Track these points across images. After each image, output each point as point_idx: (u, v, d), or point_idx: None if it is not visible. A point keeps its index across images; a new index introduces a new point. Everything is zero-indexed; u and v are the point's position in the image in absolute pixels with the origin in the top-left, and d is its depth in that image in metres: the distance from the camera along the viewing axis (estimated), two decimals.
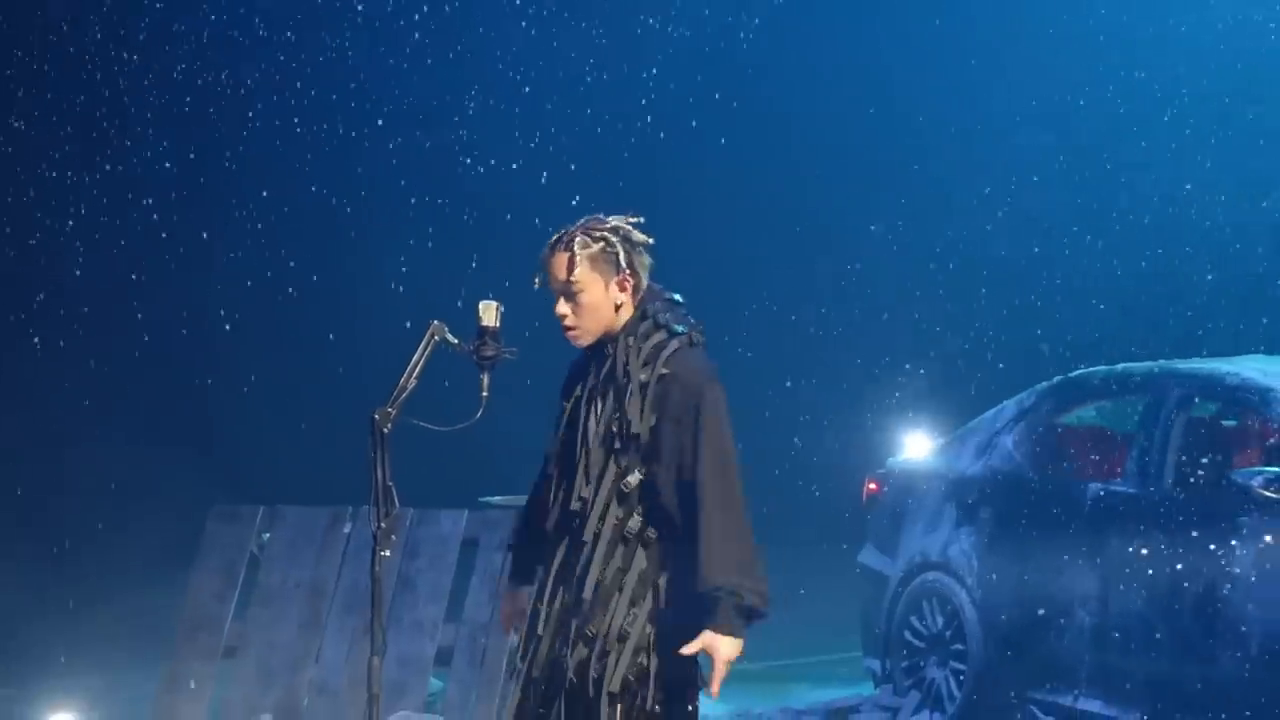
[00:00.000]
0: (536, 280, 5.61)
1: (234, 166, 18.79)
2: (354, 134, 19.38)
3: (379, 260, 18.55)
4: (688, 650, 5.48)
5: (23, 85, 17.84)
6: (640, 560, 5.51)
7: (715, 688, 5.54)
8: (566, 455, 5.67)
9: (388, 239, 18.68)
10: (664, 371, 5.51)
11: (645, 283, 5.63)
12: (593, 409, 5.59)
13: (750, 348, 18.28)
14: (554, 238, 5.60)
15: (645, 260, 5.62)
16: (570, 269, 5.50)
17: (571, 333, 5.60)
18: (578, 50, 19.52)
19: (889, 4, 20.16)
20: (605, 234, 5.56)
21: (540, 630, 5.63)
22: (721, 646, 5.48)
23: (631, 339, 5.57)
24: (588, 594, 5.50)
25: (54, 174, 17.99)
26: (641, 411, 5.47)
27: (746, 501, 5.54)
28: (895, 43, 20.10)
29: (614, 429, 5.52)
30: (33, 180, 17.73)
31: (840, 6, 19.98)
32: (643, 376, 5.50)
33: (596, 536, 5.51)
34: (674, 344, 5.57)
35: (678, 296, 5.71)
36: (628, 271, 5.57)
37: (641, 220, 5.64)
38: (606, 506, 5.51)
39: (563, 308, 5.56)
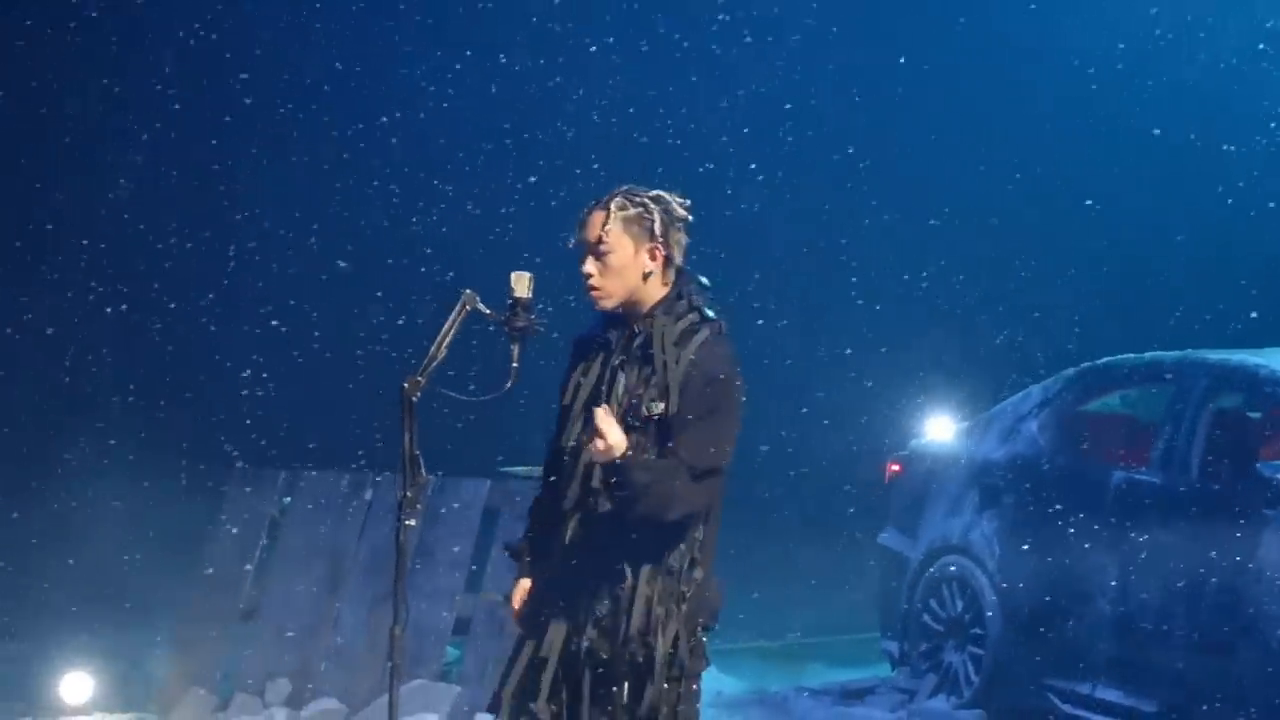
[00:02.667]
0: (572, 239, 5.58)
1: (256, 118, 18.76)
2: (387, 88, 19.36)
3: (412, 226, 18.52)
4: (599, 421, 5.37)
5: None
6: (652, 541, 5.49)
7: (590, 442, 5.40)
8: (576, 433, 5.64)
9: (422, 205, 18.64)
10: (692, 358, 5.48)
11: (679, 260, 5.60)
12: (614, 379, 5.56)
13: (773, 323, 18.25)
14: (595, 200, 5.59)
15: (682, 238, 5.59)
16: (603, 226, 5.49)
17: (595, 292, 5.54)
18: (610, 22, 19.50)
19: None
20: (645, 200, 5.54)
21: (548, 609, 5.60)
22: (614, 436, 5.32)
23: (666, 317, 5.54)
24: (605, 574, 5.48)
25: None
26: (665, 394, 5.44)
27: (701, 488, 5.45)
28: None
29: (636, 403, 5.49)
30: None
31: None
32: (674, 358, 5.47)
33: (611, 515, 5.50)
34: (705, 331, 5.54)
35: (706, 282, 5.69)
36: (660, 241, 5.53)
37: (688, 201, 5.61)
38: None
39: (589, 266, 5.52)
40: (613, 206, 5.50)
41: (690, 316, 5.56)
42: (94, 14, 17.56)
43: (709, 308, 5.59)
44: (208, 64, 18.14)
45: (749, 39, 19.78)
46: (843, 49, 20.01)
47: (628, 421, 5.44)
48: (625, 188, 5.56)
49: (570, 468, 5.60)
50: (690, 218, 5.60)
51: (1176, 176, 19.21)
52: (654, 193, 5.57)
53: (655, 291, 5.57)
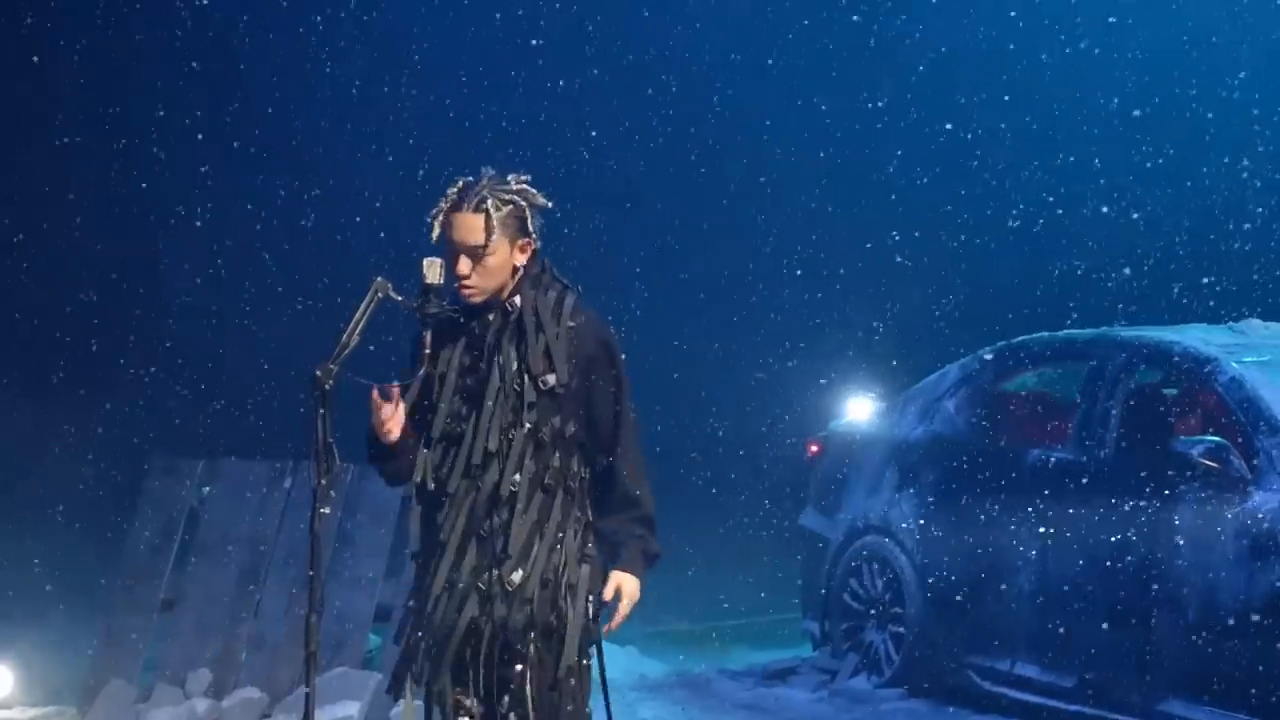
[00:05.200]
0: (435, 232, 5.55)
1: (187, 103, 18.71)
2: (316, 79, 19.35)
3: (328, 213, 18.48)
4: (607, 593, 5.57)
5: None
6: (557, 510, 5.51)
7: (617, 621, 5.61)
8: (456, 410, 5.60)
9: (339, 192, 18.61)
10: (571, 324, 5.54)
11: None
12: (496, 354, 5.54)
13: (694, 308, 18.30)
14: (458, 193, 5.51)
15: (542, 223, 5.62)
16: (487, 233, 5.45)
17: (468, 292, 5.51)
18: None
19: None
20: (514, 197, 5.52)
21: (445, 591, 5.56)
22: (629, 586, 5.60)
23: (535, 290, 5.58)
24: (513, 547, 5.46)
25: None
26: (559, 361, 5.47)
27: (640, 455, 5.71)
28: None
29: (525, 380, 5.50)
30: None
31: None
32: (551, 331, 5.50)
33: (514, 490, 5.48)
34: (571, 297, 5.62)
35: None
36: (533, 235, 5.56)
37: (529, 178, 5.61)
38: (521, 458, 5.48)
39: (465, 268, 5.47)
40: (490, 208, 5.45)
41: (555, 286, 5.62)
42: None
43: (564, 279, 5.69)
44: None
45: None
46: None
47: (521, 397, 5.46)
48: (488, 179, 5.51)
49: (455, 451, 5.59)
50: (549, 204, 5.60)
51: (1091, 150, 19.36)
52: (518, 185, 5.54)
53: (518, 277, 5.60)
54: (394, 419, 5.50)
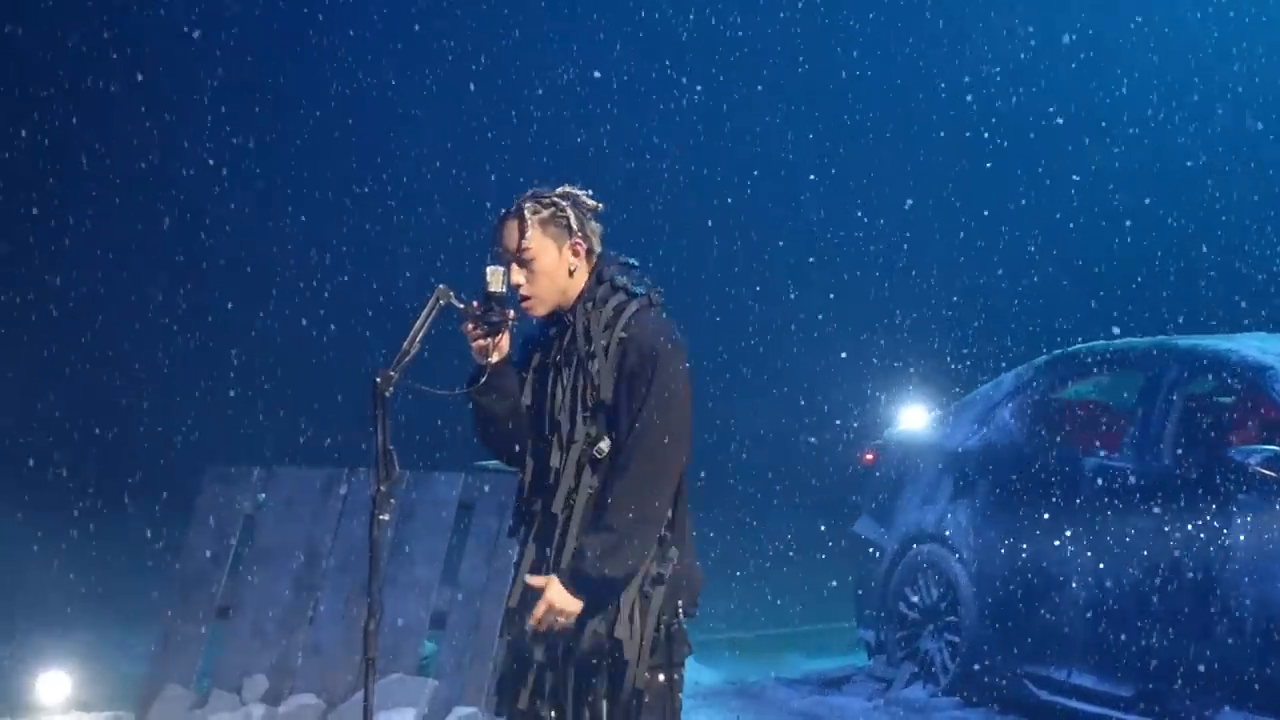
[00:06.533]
0: (490, 257, 5.55)
1: (236, 111, 18.82)
2: (364, 91, 19.44)
3: (387, 222, 18.55)
4: (531, 581, 5.45)
5: None
6: None
7: (531, 621, 5.43)
8: (535, 426, 5.62)
9: (398, 202, 18.69)
10: (623, 335, 5.46)
11: (598, 248, 5.61)
12: (558, 378, 5.54)
13: (746, 313, 18.30)
14: (504, 210, 5.57)
15: (596, 226, 5.60)
16: (521, 234, 5.46)
17: (527, 302, 5.51)
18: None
19: None
20: (554, 199, 5.53)
21: (520, 601, 5.59)
22: (549, 592, 5.39)
23: (590, 304, 5.53)
24: (565, 563, 5.47)
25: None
26: (605, 376, 5.45)
27: (665, 474, 5.42)
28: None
29: (580, 396, 5.50)
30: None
31: None
32: (604, 341, 5.46)
33: (570, 505, 5.47)
34: (634, 305, 5.52)
35: (633, 261, 5.68)
36: (580, 236, 5.55)
37: (589, 191, 5.62)
38: (579, 475, 5.46)
39: (517, 276, 5.48)
40: (526, 213, 5.48)
41: (616, 298, 5.54)
42: None
43: (638, 285, 5.58)
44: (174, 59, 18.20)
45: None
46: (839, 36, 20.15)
47: (577, 412, 5.46)
48: (530, 192, 5.55)
49: (533, 466, 5.61)
50: (600, 206, 5.61)
51: (1148, 167, 19.31)
52: (560, 189, 5.57)
53: (581, 283, 5.58)
54: (490, 342, 5.47)
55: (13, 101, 17.83)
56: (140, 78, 18.26)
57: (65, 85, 18.23)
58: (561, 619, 5.39)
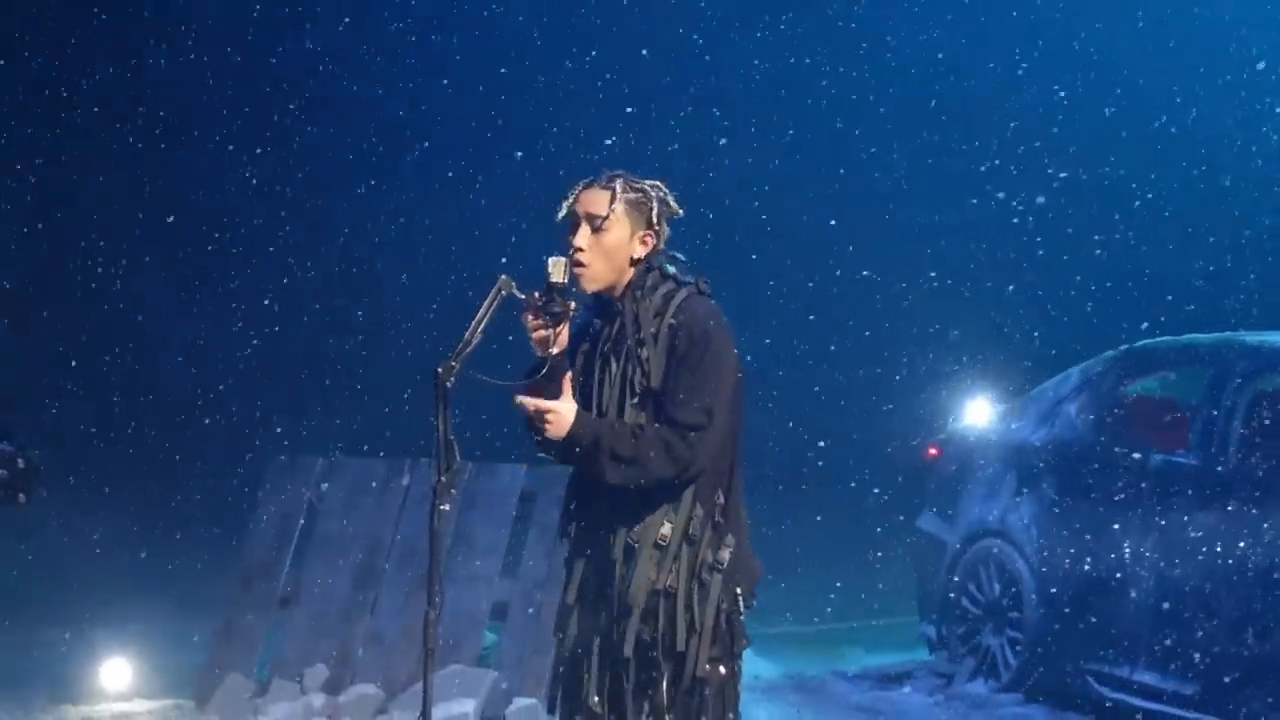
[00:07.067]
0: (563, 209, 5.56)
1: (296, 105, 18.89)
2: (438, 80, 19.50)
3: (448, 212, 18.59)
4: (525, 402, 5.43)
5: None
6: (662, 516, 5.47)
7: (525, 401, 5.43)
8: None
9: (460, 191, 18.71)
10: (673, 321, 5.44)
11: (661, 248, 5.62)
12: (606, 368, 5.54)
13: (813, 306, 18.25)
14: (591, 178, 5.58)
15: (667, 230, 5.63)
16: (610, 203, 5.48)
17: (581, 269, 5.48)
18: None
19: None
20: (645, 187, 5.57)
21: (572, 596, 5.59)
22: (564, 409, 5.41)
23: (639, 292, 5.52)
24: (616, 554, 5.45)
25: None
26: (655, 363, 5.42)
27: (698, 442, 5.35)
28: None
29: (629, 384, 5.48)
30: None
31: None
32: (654, 328, 5.45)
33: (619, 495, 5.47)
34: (683, 293, 5.52)
35: (679, 255, 5.67)
36: (654, 230, 5.56)
37: (676, 194, 5.62)
38: None
39: (583, 238, 5.48)
40: (617, 187, 5.51)
41: (665, 286, 5.53)
42: None
43: (685, 276, 5.57)
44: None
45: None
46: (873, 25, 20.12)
47: (626, 401, 5.44)
48: (620, 172, 5.56)
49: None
50: (680, 213, 5.61)
51: (1204, 164, 19.19)
52: (653, 181, 5.58)
53: (631, 275, 5.57)
54: (550, 333, 5.43)
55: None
56: (207, 57, 18.37)
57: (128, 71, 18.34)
58: (548, 427, 5.39)
